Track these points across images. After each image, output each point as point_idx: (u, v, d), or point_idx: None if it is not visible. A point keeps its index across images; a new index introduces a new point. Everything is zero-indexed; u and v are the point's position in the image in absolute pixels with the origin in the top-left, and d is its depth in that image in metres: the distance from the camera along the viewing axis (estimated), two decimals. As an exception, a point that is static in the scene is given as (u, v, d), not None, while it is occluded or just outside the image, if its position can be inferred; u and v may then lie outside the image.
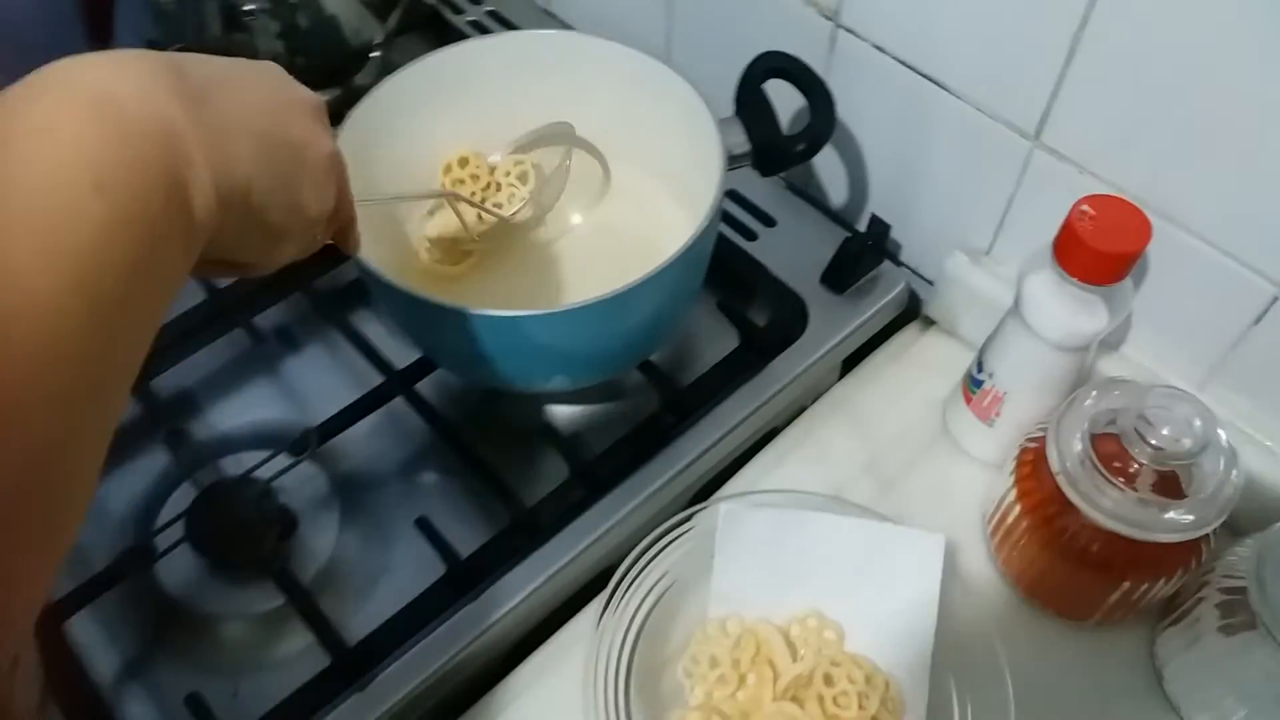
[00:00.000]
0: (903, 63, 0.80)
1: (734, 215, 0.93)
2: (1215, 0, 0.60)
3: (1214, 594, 0.65)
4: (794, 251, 0.90)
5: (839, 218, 0.95)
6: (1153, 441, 0.63)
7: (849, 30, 0.83)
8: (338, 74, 1.03)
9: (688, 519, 0.73)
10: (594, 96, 0.84)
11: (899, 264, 0.93)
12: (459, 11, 1.13)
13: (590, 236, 0.87)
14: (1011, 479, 0.72)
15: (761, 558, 0.71)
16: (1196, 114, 0.65)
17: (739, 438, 0.81)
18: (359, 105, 0.76)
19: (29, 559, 0.34)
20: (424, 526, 0.75)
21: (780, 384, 0.82)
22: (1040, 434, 0.69)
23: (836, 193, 0.96)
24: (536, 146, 0.84)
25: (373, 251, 0.67)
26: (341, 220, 0.58)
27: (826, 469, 0.82)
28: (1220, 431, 0.64)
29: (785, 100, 0.79)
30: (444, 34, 1.11)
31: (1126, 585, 0.67)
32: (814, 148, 0.77)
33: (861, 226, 0.88)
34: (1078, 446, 0.65)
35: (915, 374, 0.88)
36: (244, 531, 0.75)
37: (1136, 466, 0.64)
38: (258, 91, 0.48)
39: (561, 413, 0.84)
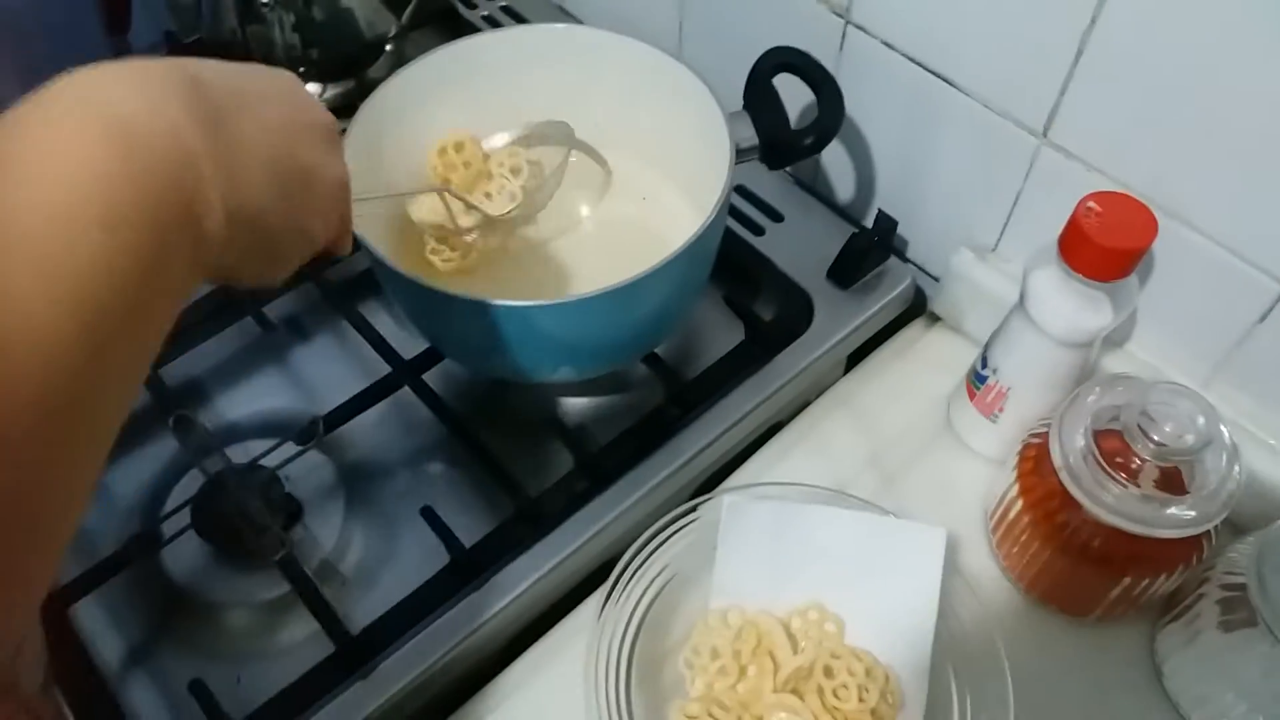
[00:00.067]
0: (912, 60, 0.80)
1: (741, 210, 0.93)
2: (1223, 0, 0.60)
3: (1214, 591, 0.65)
4: (800, 247, 0.90)
5: (846, 214, 0.95)
6: (1155, 438, 0.63)
7: (859, 27, 0.83)
8: (352, 66, 1.03)
9: (691, 510, 0.73)
10: (604, 90, 0.84)
11: (905, 260, 0.93)
12: (472, 6, 1.14)
13: (598, 230, 0.87)
14: (1014, 474, 0.72)
15: (763, 550, 0.71)
16: (1204, 112, 0.65)
17: (743, 431, 0.82)
18: (371, 97, 0.76)
19: (15, 563, 0.34)
20: (429, 516, 0.75)
21: (785, 378, 0.82)
22: (1043, 430, 0.69)
23: (844, 189, 0.96)
24: (536, 143, 0.84)
25: (383, 242, 0.67)
26: (340, 237, 0.58)
27: (830, 463, 0.82)
28: (1223, 428, 0.64)
29: (794, 96, 0.79)
30: (458, 28, 1.12)
31: (1127, 581, 0.67)
32: (822, 141, 0.77)
33: (868, 223, 0.88)
34: (1080, 442, 0.66)
35: (920, 370, 0.88)
36: (249, 519, 0.75)
37: (1139, 463, 0.64)
38: (275, 111, 0.48)
39: (567, 404, 0.85)
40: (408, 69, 0.79)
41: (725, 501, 0.72)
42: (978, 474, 0.80)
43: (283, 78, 0.51)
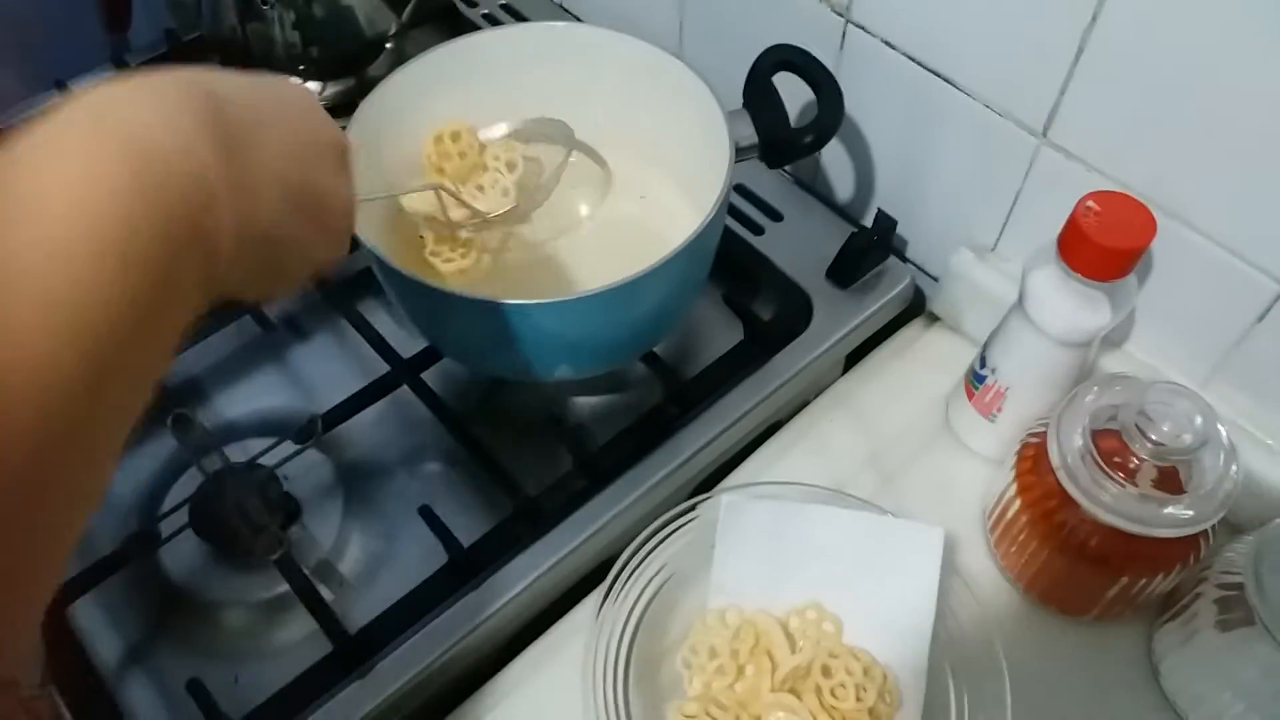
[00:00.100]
0: (912, 59, 0.80)
1: (741, 209, 0.93)
2: (1223, 0, 0.60)
3: (1211, 590, 0.65)
4: (800, 246, 0.90)
5: (845, 213, 0.95)
6: (1153, 437, 0.63)
7: (859, 26, 0.83)
8: (352, 64, 1.03)
9: (689, 509, 0.73)
10: (604, 89, 0.84)
11: (904, 260, 0.93)
12: (472, 4, 1.14)
13: (598, 229, 0.87)
14: (1012, 474, 0.72)
15: (762, 549, 0.71)
16: (1203, 112, 0.65)
17: (742, 430, 0.82)
18: (370, 95, 0.76)
19: (13, 585, 0.34)
20: (427, 515, 0.75)
21: (784, 378, 0.82)
22: (1041, 429, 0.69)
23: (843, 188, 0.96)
24: (534, 139, 0.84)
25: (382, 241, 0.67)
26: (341, 254, 0.57)
27: (828, 463, 0.82)
28: (1220, 427, 0.64)
29: (794, 95, 0.79)
30: (458, 26, 1.12)
31: (1125, 580, 0.67)
32: (822, 139, 0.77)
33: (867, 222, 0.88)
34: (1078, 442, 0.66)
35: (918, 369, 0.88)
36: (248, 518, 0.75)
37: (1137, 462, 0.64)
38: (292, 133, 0.48)
39: (566, 403, 0.85)
40: (408, 67, 0.79)
41: (724, 501, 0.72)
42: (976, 473, 0.80)
43: (298, 92, 0.51)
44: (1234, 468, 0.63)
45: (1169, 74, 0.65)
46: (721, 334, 0.87)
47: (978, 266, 0.84)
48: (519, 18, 1.12)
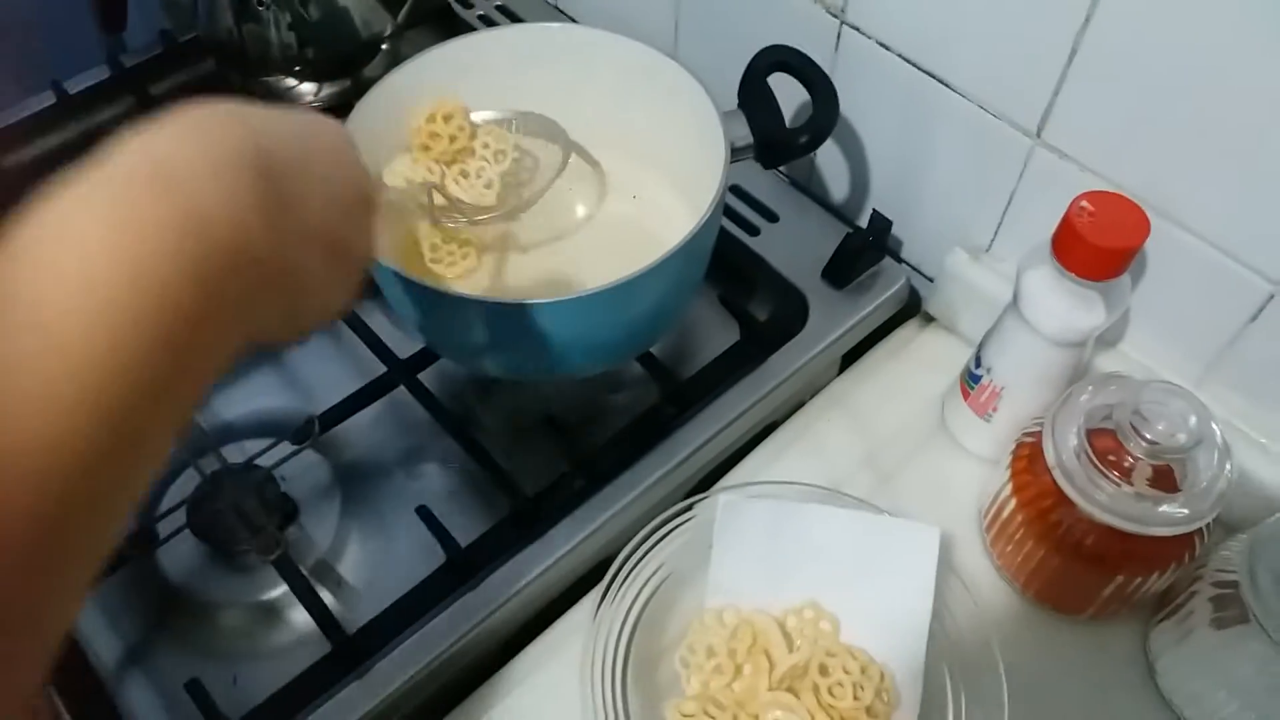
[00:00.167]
0: (907, 60, 0.81)
1: (736, 210, 0.93)
2: (1217, 0, 0.60)
3: (1207, 588, 0.65)
4: (795, 247, 0.91)
5: (841, 214, 0.96)
6: (1148, 436, 0.63)
7: (854, 27, 0.83)
8: (348, 66, 1.03)
9: (686, 509, 0.73)
10: (600, 89, 0.84)
11: (900, 260, 0.94)
12: (468, 5, 1.14)
13: (593, 230, 0.87)
14: (1008, 473, 0.72)
15: (759, 549, 0.71)
16: (1197, 113, 0.65)
17: (738, 431, 0.82)
18: (366, 96, 0.76)
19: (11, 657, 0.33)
20: (424, 515, 0.75)
21: (780, 378, 0.83)
22: (1037, 429, 0.70)
23: (838, 189, 0.96)
24: (526, 133, 0.84)
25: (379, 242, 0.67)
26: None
27: (825, 463, 0.82)
28: (1215, 427, 0.64)
29: (789, 96, 0.79)
30: (453, 27, 1.12)
31: (1120, 579, 0.67)
32: (817, 140, 0.78)
33: (863, 223, 0.89)
34: (1073, 441, 0.66)
35: (914, 370, 0.88)
36: (245, 519, 0.75)
37: (1131, 461, 0.64)
38: (327, 182, 0.48)
39: (563, 404, 0.85)
40: (403, 68, 0.79)
41: (720, 500, 0.72)
42: (972, 473, 0.80)
43: (336, 137, 0.51)
44: (1228, 466, 0.63)
45: (1163, 75, 0.65)
46: (718, 334, 0.87)
47: (972, 267, 0.84)
48: (514, 19, 1.12)
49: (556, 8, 1.15)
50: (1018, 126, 0.76)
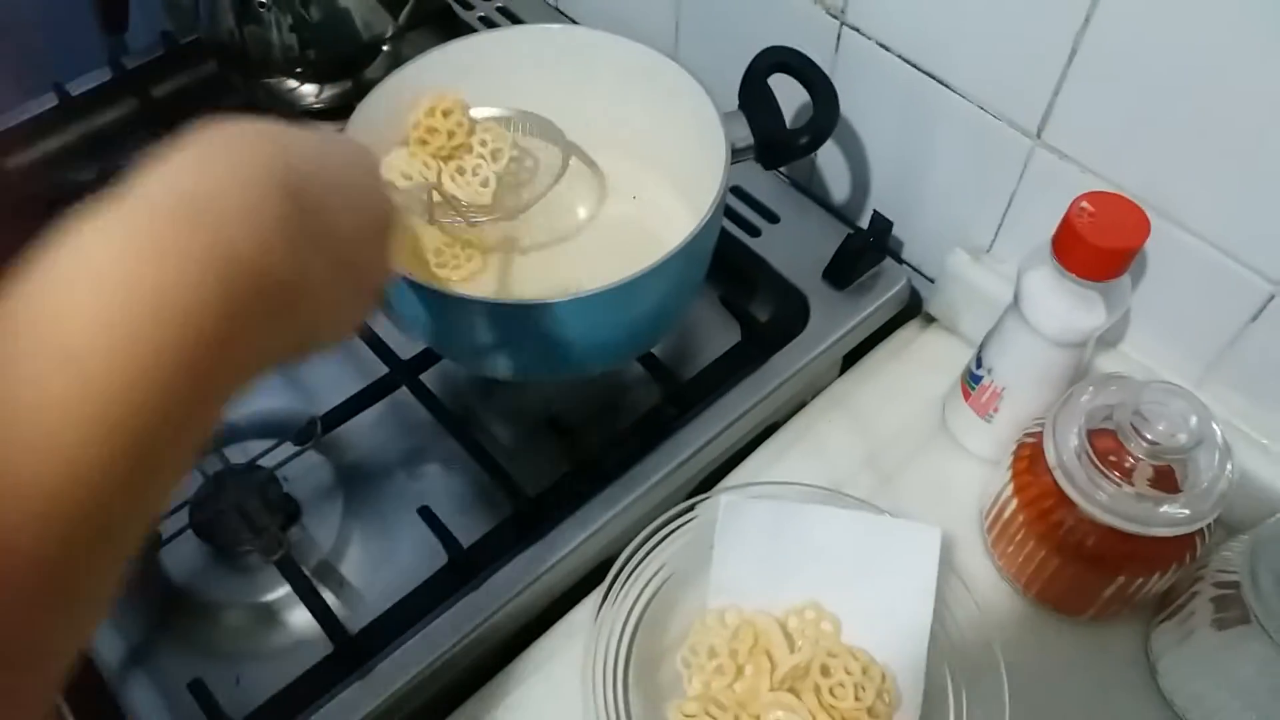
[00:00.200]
0: (907, 61, 0.81)
1: (737, 211, 0.94)
2: (1217, 1, 0.60)
3: (1208, 589, 0.65)
4: (796, 248, 0.91)
5: (841, 215, 0.96)
6: (1148, 436, 0.63)
7: (854, 28, 0.83)
8: (349, 67, 1.03)
9: (688, 510, 0.73)
10: (600, 90, 0.84)
11: (900, 261, 0.94)
12: (469, 7, 1.14)
13: (594, 231, 0.87)
14: (1009, 474, 0.72)
15: (760, 549, 0.72)
16: (1197, 113, 0.65)
17: (739, 431, 0.82)
18: (367, 98, 0.76)
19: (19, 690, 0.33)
20: (426, 516, 0.75)
21: (781, 379, 0.83)
22: (1038, 429, 0.70)
23: (839, 190, 0.96)
24: (526, 133, 0.84)
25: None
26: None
27: (826, 464, 0.82)
28: (1215, 427, 0.64)
29: (789, 97, 0.79)
30: (454, 28, 1.12)
31: (1121, 580, 0.68)
32: (817, 140, 0.78)
33: (864, 224, 0.89)
34: (1074, 441, 0.66)
35: (915, 370, 0.88)
36: (248, 519, 0.75)
37: (1132, 461, 0.64)
38: (353, 207, 0.48)
39: (564, 404, 0.85)
40: (404, 69, 0.79)
41: (722, 501, 0.72)
42: (973, 474, 0.81)
43: (362, 159, 0.51)
44: (1229, 467, 0.63)
45: (1162, 75, 0.65)
46: (719, 335, 0.87)
47: (973, 267, 0.84)
48: (515, 20, 1.13)
49: (557, 9, 1.15)
50: (1018, 127, 0.76)
